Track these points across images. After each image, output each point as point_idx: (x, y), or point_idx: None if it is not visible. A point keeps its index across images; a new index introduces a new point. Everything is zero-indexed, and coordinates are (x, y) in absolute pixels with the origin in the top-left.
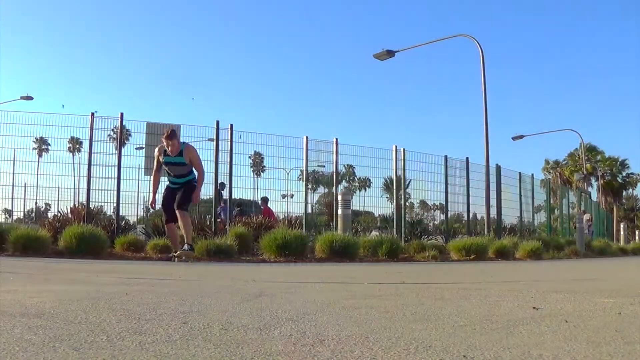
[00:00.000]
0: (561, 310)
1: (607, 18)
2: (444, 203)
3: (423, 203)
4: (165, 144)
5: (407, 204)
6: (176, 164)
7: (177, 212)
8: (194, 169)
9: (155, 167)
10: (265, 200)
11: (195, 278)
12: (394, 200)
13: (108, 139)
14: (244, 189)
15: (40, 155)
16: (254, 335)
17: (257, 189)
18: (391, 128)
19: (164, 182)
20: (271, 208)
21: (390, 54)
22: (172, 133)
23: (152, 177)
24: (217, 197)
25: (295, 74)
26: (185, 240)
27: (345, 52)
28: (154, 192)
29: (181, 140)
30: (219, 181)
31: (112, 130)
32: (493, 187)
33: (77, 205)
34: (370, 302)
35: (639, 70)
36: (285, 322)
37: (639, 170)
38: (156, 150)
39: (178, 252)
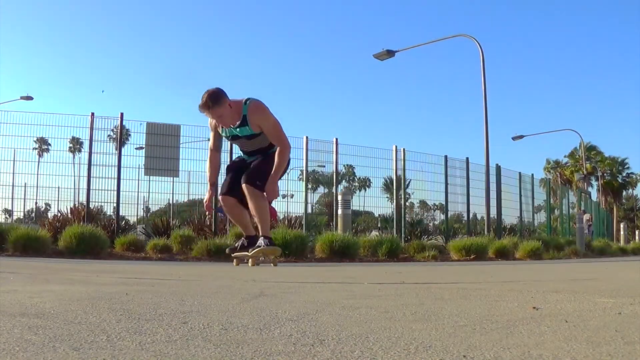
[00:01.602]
0: (561, 310)
1: (607, 18)
2: (444, 203)
3: (423, 203)
4: (208, 115)
5: (407, 204)
6: (245, 138)
7: (245, 188)
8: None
9: (211, 143)
10: None
11: (195, 278)
12: (394, 200)
13: (108, 139)
14: None
15: (40, 155)
16: (254, 335)
17: None
18: (391, 128)
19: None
20: (274, 207)
21: (390, 53)
22: (214, 97)
23: (207, 160)
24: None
25: (295, 74)
26: (260, 232)
27: (345, 52)
28: (212, 182)
29: (241, 99)
30: (218, 182)
31: (112, 130)
32: (493, 187)
33: (77, 205)
34: (370, 302)
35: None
36: (285, 322)
37: (639, 170)
38: (209, 119)
39: (252, 252)
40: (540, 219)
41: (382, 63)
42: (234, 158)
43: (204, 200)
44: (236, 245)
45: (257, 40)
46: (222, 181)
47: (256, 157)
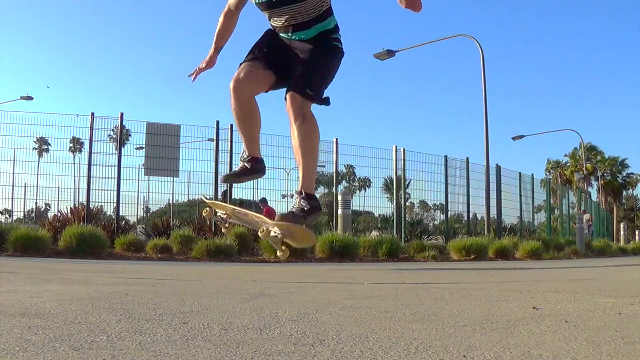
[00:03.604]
0: (561, 310)
1: (607, 18)
2: (444, 203)
3: (423, 203)
4: None
5: (407, 204)
6: None
7: (291, 100)
8: None
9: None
10: (264, 200)
11: (195, 278)
12: (394, 200)
13: (108, 139)
14: (244, 188)
15: (40, 155)
16: (254, 335)
17: (257, 189)
18: (391, 128)
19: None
20: (273, 208)
21: (390, 53)
22: None
23: (218, 23)
24: (216, 196)
25: None
26: (301, 184)
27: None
28: (217, 46)
29: None
30: (218, 183)
31: (112, 130)
32: (493, 187)
33: (77, 205)
34: (370, 302)
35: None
36: (285, 322)
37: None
38: None
39: (280, 217)
40: (540, 219)
41: (382, 63)
42: (260, 40)
43: (201, 63)
44: (236, 171)
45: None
46: (249, 60)
47: (306, 39)
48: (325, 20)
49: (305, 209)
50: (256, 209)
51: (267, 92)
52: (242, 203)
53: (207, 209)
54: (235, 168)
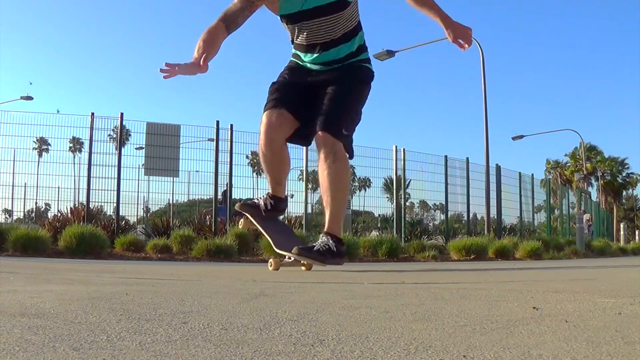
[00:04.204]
0: (561, 310)
1: (607, 18)
2: (444, 203)
3: (423, 203)
4: None
5: (407, 204)
6: (319, 11)
7: (323, 138)
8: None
9: (226, 9)
10: None
11: (195, 278)
12: (394, 200)
13: (108, 139)
14: (244, 189)
15: (40, 155)
16: (254, 335)
17: (257, 189)
18: (391, 128)
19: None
20: None
21: (390, 54)
22: None
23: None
24: (216, 196)
25: None
26: (327, 225)
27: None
28: (201, 53)
29: None
30: (218, 183)
31: (112, 130)
32: (493, 187)
33: (77, 205)
34: (370, 302)
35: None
36: (285, 322)
37: (639, 170)
38: None
39: (302, 253)
40: (540, 219)
41: (382, 63)
42: (279, 78)
43: (192, 58)
44: (255, 201)
45: (257, 40)
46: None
47: (331, 63)
48: (356, 36)
49: (333, 249)
50: None
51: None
52: None
53: (272, 262)
54: (256, 199)
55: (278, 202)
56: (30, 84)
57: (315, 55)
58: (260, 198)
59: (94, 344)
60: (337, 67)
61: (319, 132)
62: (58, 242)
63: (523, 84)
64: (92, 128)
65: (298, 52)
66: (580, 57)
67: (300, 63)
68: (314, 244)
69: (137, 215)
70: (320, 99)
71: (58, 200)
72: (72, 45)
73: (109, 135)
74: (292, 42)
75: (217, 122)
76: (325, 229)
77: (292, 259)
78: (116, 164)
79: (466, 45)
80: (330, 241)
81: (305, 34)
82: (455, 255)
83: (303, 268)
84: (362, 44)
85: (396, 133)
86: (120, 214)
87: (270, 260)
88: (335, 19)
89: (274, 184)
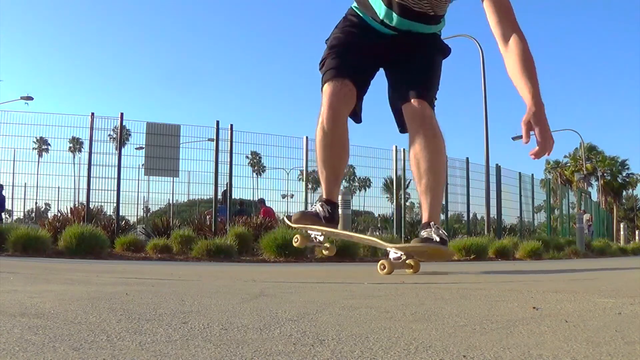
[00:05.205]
0: (561, 310)
1: (608, 18)
2: (444, 203)
3: None
4: None
5: (407, 204)
6: None
7: (419, 107)
8: None
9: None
10: (262, 201)
11: (195, 278)
12: (394, 200)
13: (108, 139)
14: (244, 189)
15: (40, 155)
16: (254, 335)
17: (257, 189)
18: (391, 128)
19: None
20: (271, 208)
21: None
22: None
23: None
24: (216, 196)
25: (296, 74)
26: (428, 215)
27: None
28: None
29: None
30: (218, 183)
31: (112, 130)
32: (493, 187)
33: (77, 205)
34: (370, 302)
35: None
36: (285, 322)
37: (639, 170)
38: None
39: (417, 244)
40: (540, 219)
41: None
42: (340, 32)
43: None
44: (312, 210)
45: (257, 40)
46: (328, 59)
47: (412, 33)
48: (442, 23)
49: (446, 239)
50: (257, 208)
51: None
52: (242, 203)
53: (298, 237)
54: (311, 208)
55: (334, 209)
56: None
57: (404, 20)
58: (313, 207)
59: (94, 344)
60: (418, 37)
61: (414, 101)
62: (58, 242)
63: None
64: (92, 128)
65: (373, 5)
66: (580, 57)
67: (369, 22)
68: (429, 236)
69: (137, 215)
70: (398, 67)
71: (58, 200)
72: (72, 45)
73: (109, 135)
74: None
75: (217, 122)
76: (427, 218)
77: (403, 258)
78: (116, 164)
79: (539, 154)
80: (441, 230)
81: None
82: (455, 256)
83: (409, 271)
84: (437, 41)
85: (396, 133)
86: (120, 214)
87: (383, 262)
88: None
89: (331, 180)
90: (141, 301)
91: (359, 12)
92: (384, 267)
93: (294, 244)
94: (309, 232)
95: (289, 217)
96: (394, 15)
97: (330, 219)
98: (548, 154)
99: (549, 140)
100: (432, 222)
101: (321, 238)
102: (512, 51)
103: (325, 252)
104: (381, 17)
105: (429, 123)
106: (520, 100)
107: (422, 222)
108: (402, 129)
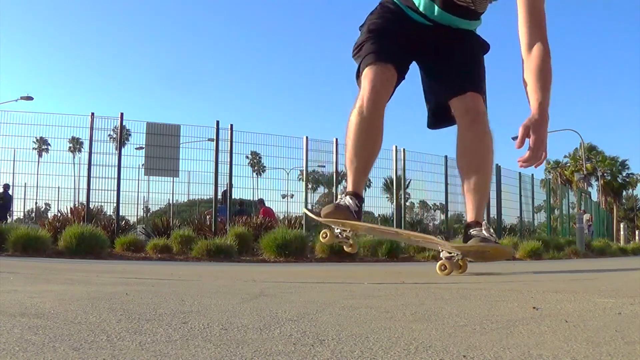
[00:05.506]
0: (561, 310)
1: (608, 17)
2: (444, 203)
3: (423, 203)
4: None
5: (407, 204)
6: None
7: (474, 101)
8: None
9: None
10: (261, 201)
11: (195, 278)
12: (394, 200)
13: (108, 139)
14: (244, 189)
15: (40, 155)
16: (254, 335)
17: (257, 189)
18: (391, 128)
19: None
20: (271, 208)
21: None
22: None
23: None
24: (216, 196)
25: (296, 74)
26: (475, 213)
27: (346, 52)
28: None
29: None
30: (218, 183)
31: (112, 130)
32: (493, 187)
33: (77, 205)
34: (370, 302)
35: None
36: (285, 322)
37: (639, 170)
38: None
39: (473, 244)
40: (540, 219)
41: None
42: (376, 18)
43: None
44: (343, 204)
45: (257, 40)
46: (366, 43)
47: (447, 30)
48: (479, 21)
49: (495, 237)
50: (256, 209)
51: None
52: (242, 203)
53: (327, 233)
54: (341, 201)
55: (361, 202)
56: None
57: (446, 14)
58: (342, 200)
59: (94, 344)
60: (455, 32)
61: (471, 94)
62: (58, 242)
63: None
64: (92, 128)
65: None
66: (581, 57)
67: (405, 11)
68: (488, 236)
69: (137, 215)
70: (441, 59)
71: (58, 200)
72: (72, 45)
73: (109, 135)
74: None
75: (217, 122)
76: (475, 217)
77: (457, 258)
78: (116, 164)
79: (528, 162)
80: (491, 229)
81: None
82: None
83: (458, 271)
84: (475, 38)
85: (396, 133)
86: (120, 214)
87: (444, 262)
88: None
89: (360, 171)
90: (141, 301)
91: (395, 0)
92: (445, 268)
93: (322, 240)
94: (333, 226)
95: (313, 211)
96: (436, 7)
97: (359, 214)
98: (536, 166)
99: (541, 151)
100: (484, 222)
101: (349, 234)
102: (534, 59)
103: (348, 249)
104: (421, 9)
105: (482, 119)
106: (520, 100)
107: (469, 221)
108: (436, 124)
